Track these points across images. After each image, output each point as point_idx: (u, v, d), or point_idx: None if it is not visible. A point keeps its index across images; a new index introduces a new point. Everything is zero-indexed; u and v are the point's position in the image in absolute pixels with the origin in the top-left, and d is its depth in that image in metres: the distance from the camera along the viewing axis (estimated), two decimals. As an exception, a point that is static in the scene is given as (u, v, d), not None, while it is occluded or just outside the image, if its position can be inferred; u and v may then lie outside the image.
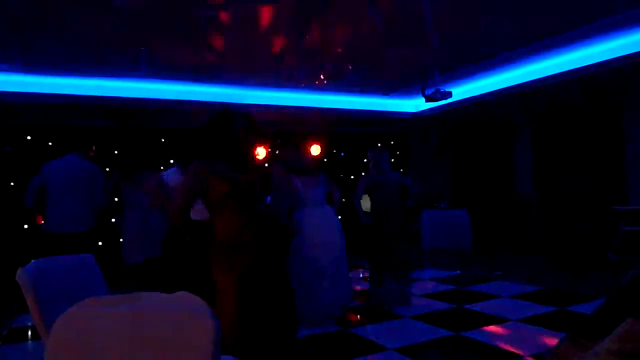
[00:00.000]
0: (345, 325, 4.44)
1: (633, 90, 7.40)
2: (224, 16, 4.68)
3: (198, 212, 3.43)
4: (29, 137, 7.37)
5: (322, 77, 5.33)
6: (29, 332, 4.58)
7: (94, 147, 4.88)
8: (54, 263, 2.28)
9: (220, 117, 2.65)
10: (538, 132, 8.94)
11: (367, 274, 6.04)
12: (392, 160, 10.45)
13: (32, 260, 2.17)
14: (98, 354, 1.25)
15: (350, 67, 6.54)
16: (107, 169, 7.76)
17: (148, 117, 7.90)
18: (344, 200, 5.87)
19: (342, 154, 9.86)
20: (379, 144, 10.36)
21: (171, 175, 4.24)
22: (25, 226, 7.22)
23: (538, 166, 8.96)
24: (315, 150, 5.91)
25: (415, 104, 9.30)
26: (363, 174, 5.53)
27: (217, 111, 2.68)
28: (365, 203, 5.25)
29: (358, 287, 6.10)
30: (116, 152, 7.89)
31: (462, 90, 8.09)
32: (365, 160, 5.56)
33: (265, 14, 4.70)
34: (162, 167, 8.02)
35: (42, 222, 4.86)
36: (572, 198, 8.40)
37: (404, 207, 5.18)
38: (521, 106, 8.76)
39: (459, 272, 6.95)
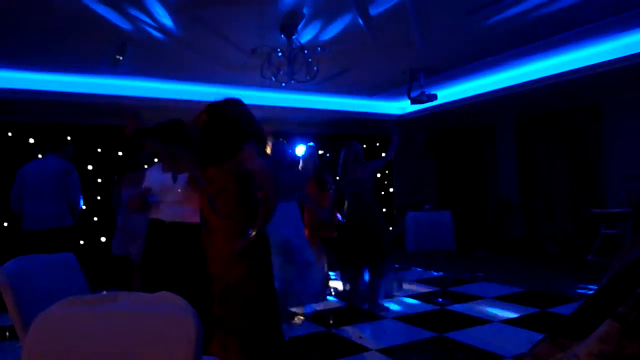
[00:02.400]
0: (328, 326, 4.44)
1: (611, 95, 7.54)
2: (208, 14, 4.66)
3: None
4: (9, 134, 7.25)
5: (307, 77, 5.32)
6: (7, 333, 4.50)
7: (71, 149, 4.98)
8: (33, 262, 2.24)
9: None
10: (521, 135, 9.05)
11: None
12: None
13: (11, 259, 2.13)
14: (77, 354, 1.23)
15: (337, 69, 6.55)
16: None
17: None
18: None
19: (328, 155, 9.86)
20: (364, 145, 10.37)
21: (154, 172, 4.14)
22: (5, 224, 7.10)
23: (520, 169, 9.07)
24: (300, 150, 5.94)
25: (401, 106, 9.34)
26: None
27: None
28: None
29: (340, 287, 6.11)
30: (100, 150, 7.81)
31: (447, 93, 8.15)
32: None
33: (251, 14, 4.69)
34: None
35: None
36: (553, 200, 8.51)
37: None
38: (505, 109, 8.86)
39: (442, 273, 7.00)
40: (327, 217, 5.27)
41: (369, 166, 5.11)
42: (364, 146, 10.14)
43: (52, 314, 1.28)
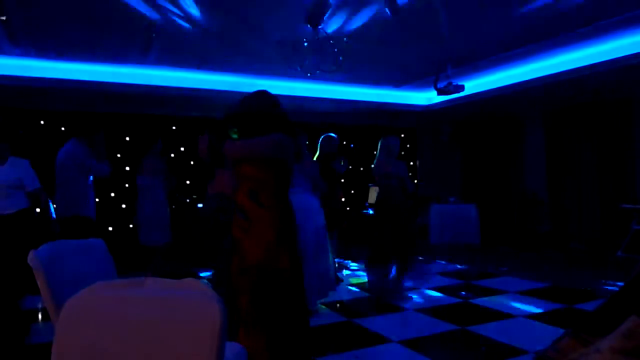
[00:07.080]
0: (350, 316, 4.47)
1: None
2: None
3: None
4: (42, 122, 7.43)
5: (333, 68, 5.30)
6: (39, 315, 4.65)
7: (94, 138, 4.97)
8: (65, 247, 2.31)
9: None
10: (550, 128, 8.86)
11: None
12: (402, 153, 10.43)
13: (44, 244, 2.20)
14: (106, 336, 1.28)
15: (363, 60, 6.51)
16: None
17: (158, 105, 7.94)
18: (343, 199, 5.90)
19: (352, 145, 9.84)
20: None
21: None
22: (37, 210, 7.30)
23: (548, 162, 8.89)
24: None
25: (427, 97, 9.25)
26: (372, 165, 5.56)
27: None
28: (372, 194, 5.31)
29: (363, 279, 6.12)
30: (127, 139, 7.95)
31: (474, 84, 8.03)
32: (375, 152, 5.62)
33: (277, 4, 4.69)
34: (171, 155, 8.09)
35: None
36: (581, 195, 8.33)
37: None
38: (534, 102, 8.69)
39: (466, 266, 6.95)
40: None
41: (399, 165, 5.29)
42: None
43: (84, 297, 1.33)
